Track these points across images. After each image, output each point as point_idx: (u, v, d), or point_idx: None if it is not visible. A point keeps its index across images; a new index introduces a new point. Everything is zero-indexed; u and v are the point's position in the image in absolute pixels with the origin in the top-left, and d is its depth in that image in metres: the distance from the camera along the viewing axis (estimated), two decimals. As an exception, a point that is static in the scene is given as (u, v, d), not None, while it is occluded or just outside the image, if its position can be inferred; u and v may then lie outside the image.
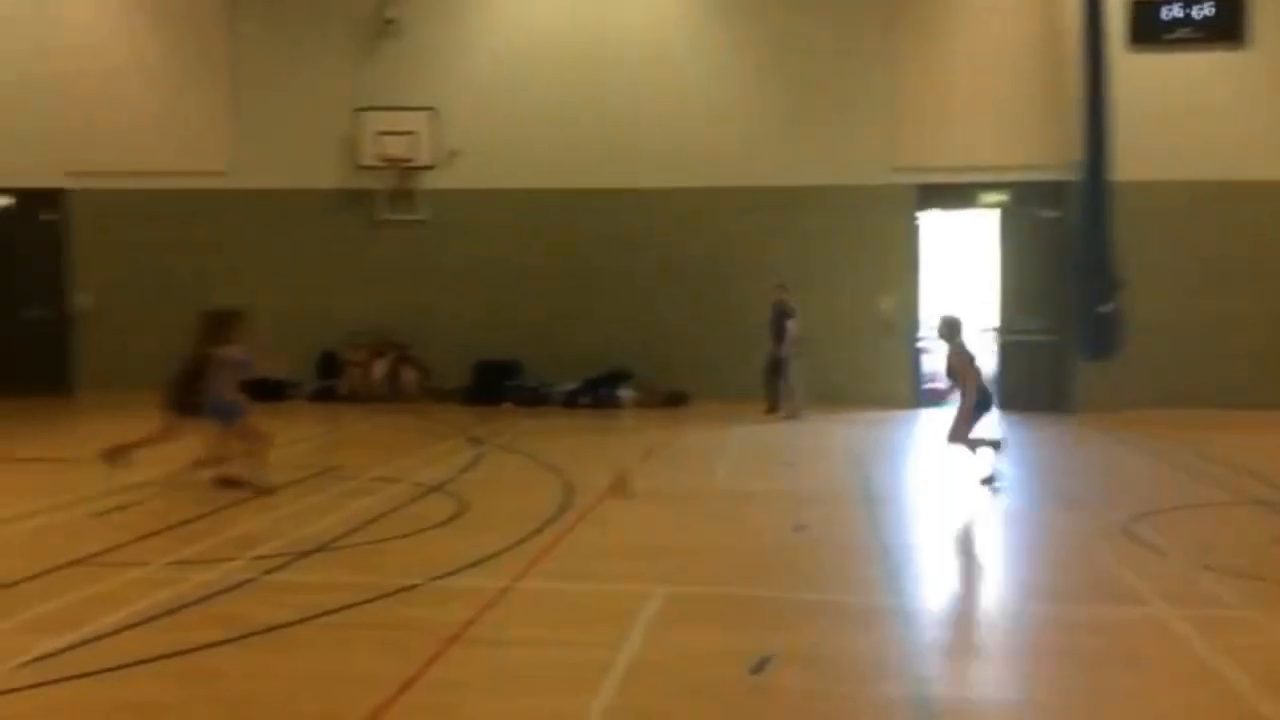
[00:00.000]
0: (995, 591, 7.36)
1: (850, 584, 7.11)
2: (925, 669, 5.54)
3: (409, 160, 17.54)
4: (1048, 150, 16.61)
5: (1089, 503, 9.60)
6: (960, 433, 10.21)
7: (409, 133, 17.47)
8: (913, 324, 17.26)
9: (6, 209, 18.47)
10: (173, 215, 18.02)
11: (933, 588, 7.26)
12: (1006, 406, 15.64)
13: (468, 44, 17.87)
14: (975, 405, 10.16)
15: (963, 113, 16.96)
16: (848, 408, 16.27)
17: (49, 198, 18.25)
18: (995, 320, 17.11)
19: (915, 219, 17.26)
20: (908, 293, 17.28)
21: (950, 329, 10.41)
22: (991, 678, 5.61)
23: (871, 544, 8.18)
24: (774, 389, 15.86)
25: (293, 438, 13.51)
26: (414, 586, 6.76)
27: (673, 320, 17.43)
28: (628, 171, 17.46)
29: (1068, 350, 16.59)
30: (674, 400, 17.01)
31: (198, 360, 9.99)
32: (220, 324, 10.15)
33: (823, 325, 16.51)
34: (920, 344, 17.29)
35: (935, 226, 17.56)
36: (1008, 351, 17.00)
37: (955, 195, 17.34)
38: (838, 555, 7.84)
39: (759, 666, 5.38)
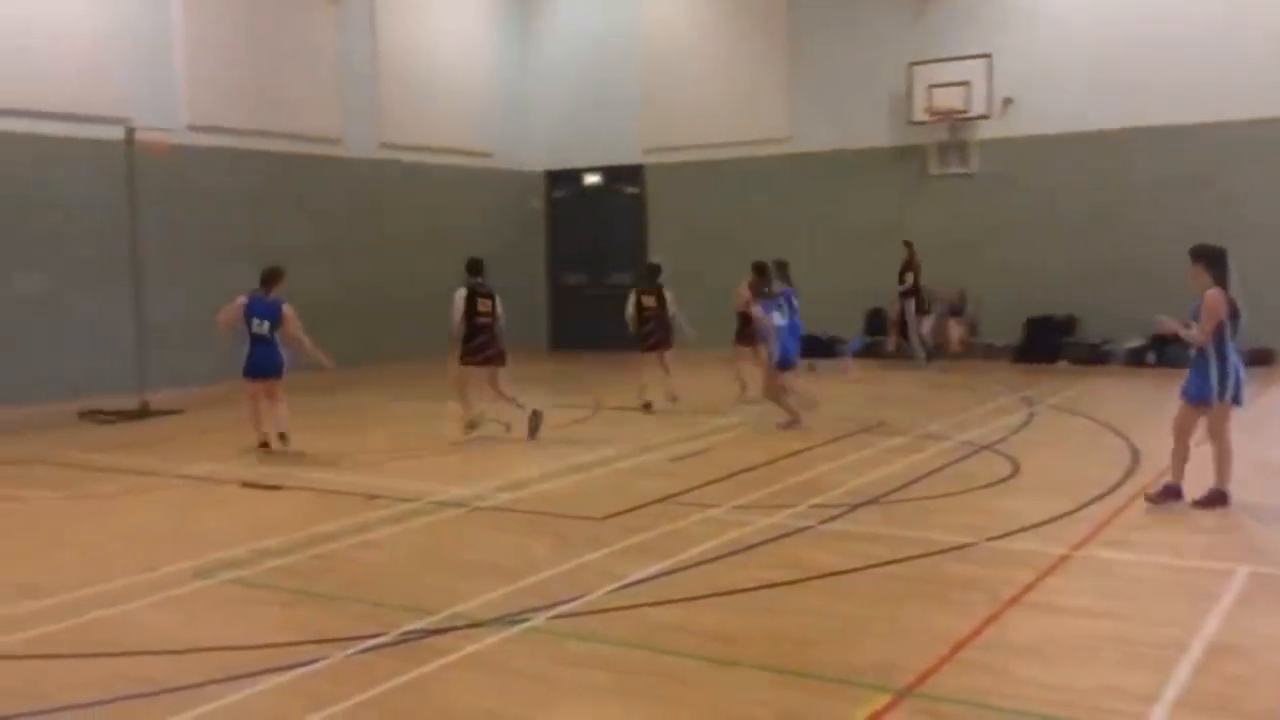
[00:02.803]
0: None
1: None
2: None
3: (961, 111, 17.19)
4: None
5: None
6: None
7: (962, 83, 17.11)
8: None
9: (596, 186, 20.89)
10: (737, 182, 19.25)
11: None
12: None
13: (1022, -15, 17.10)
14: None
15: None
16: None
17: (631, 173, 20.37)
18: None
19: None
20: None
21: None
22: None
23: None
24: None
25: (838, 393, 13.93)
26: (968, 545, 6.72)
27: (1255, 269, 15.43)
28: (1198, 106, 15.69)
29: None
30: (1259, 359, 15.12)
31: None
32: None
33: None
34: None
35: None
36: None
37: None
38: None
39: (1371, 665, 4.69)
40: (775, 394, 11.50)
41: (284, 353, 10.54)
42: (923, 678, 4.69)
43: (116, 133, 13.42)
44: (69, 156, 13.72)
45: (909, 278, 17.08)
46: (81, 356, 13.44)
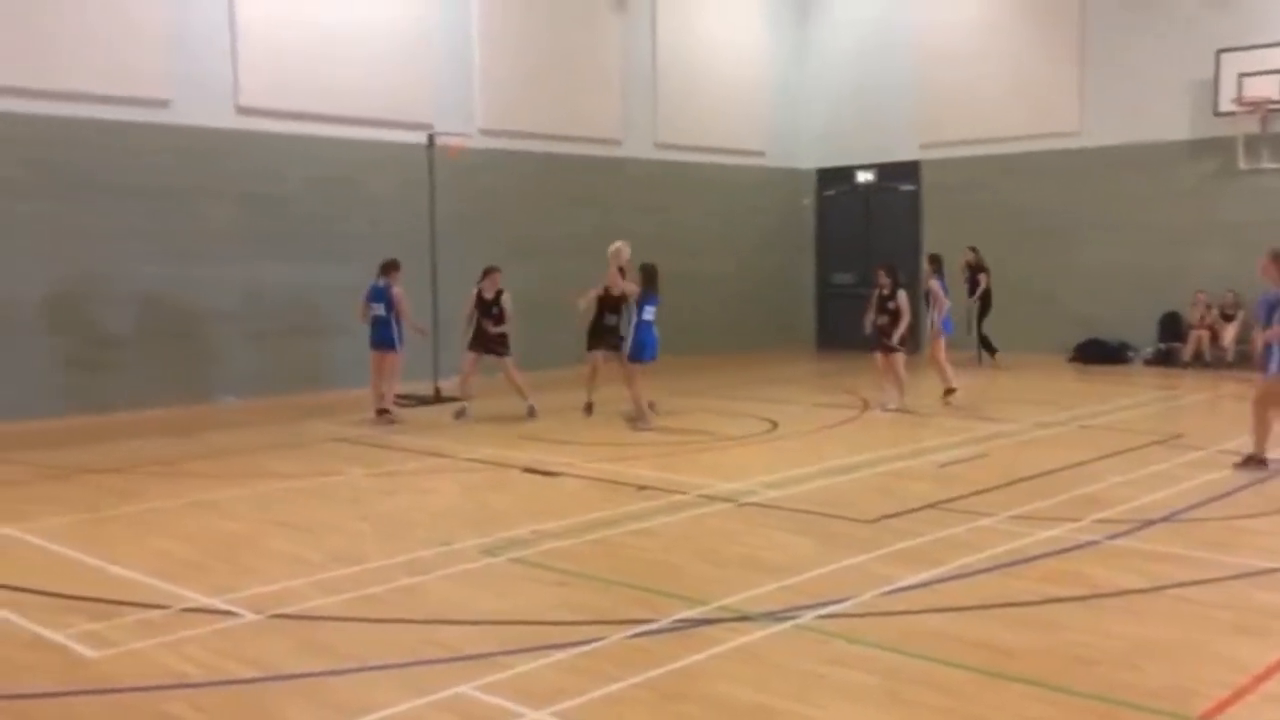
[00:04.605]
0: None
1: None
2: None
3: (1277, 102, 15.79)
4: None
5: None
6: None
7: (1278, 71, 15.72)
8: None
9: (869, 183, 20.59)
10: (1020, 178, 18.48)
11: None
12: None
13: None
14: None
15: None
16: None
17: (906, 170, 19.94)
18: None
19: None
20: None
21: None
22: None
23: None
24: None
25: (1127, 403, 13.17)
26: (1275, 570, 6.22)
27: None
28: None
29: None
30: None
31: None
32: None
33: None
34: None
35: None
36: None
37: None
38: None
39: None
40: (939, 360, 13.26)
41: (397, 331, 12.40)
42: (1220, 707, 4.40)
43: (419, 137, 14.45)
44: (376, 160, 14.94)
45: (983, 278, 17.29)
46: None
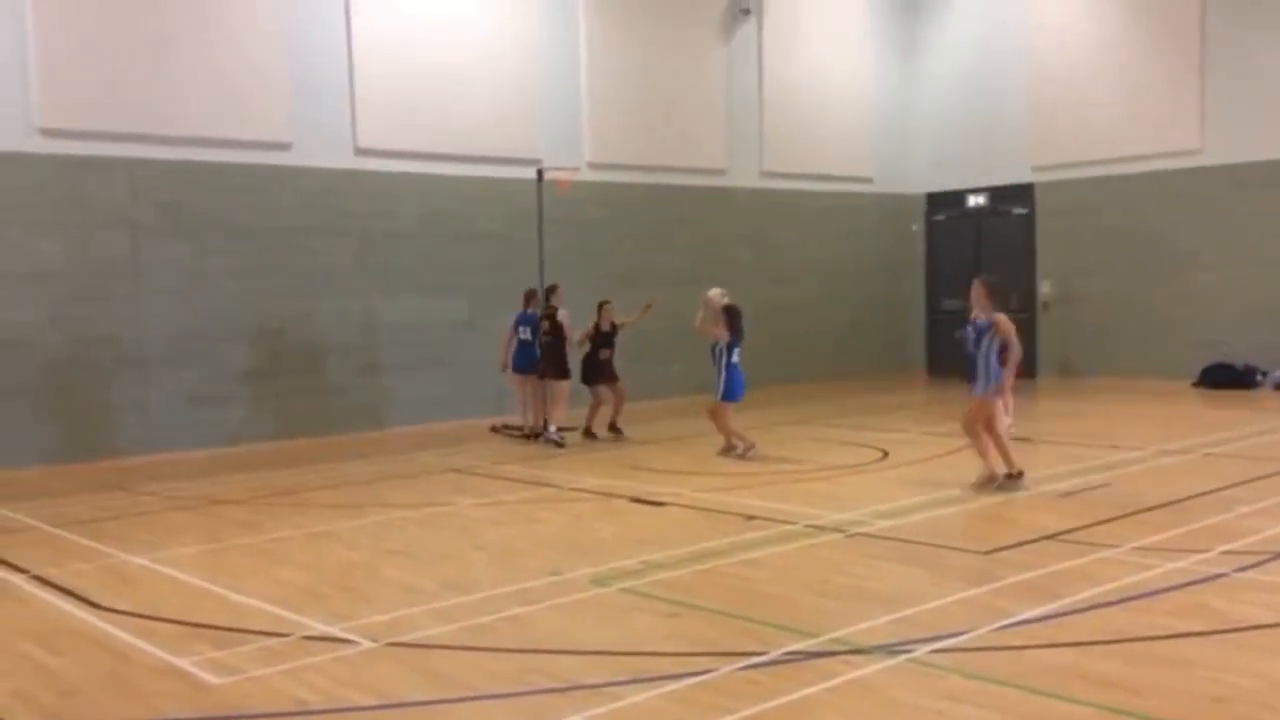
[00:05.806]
0: None
1: None
2: None
3: None
4: None
5: None
6: None
7: None
8: None
9: (980, 207, 20.23)
10: (1139, 200, 17.95)
11: None
12: None
13: None
14: None
15: None
16: None
17: (1019, 193, 19.53)
18: None
19: None
20: None
21: None
22: None
23: None
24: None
25: (1256, 429, 12.65)
26: None
27: None
28: None
29: None
30: None
31: None
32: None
33: None
34: None
35: None
36: None
37: None
38: None
39: None
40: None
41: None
42: (1365, 754, 4.18)
43: (528, 172, 14.70)
44: (487, 195, 15.29)
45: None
46: (493, 376, 14.75)
